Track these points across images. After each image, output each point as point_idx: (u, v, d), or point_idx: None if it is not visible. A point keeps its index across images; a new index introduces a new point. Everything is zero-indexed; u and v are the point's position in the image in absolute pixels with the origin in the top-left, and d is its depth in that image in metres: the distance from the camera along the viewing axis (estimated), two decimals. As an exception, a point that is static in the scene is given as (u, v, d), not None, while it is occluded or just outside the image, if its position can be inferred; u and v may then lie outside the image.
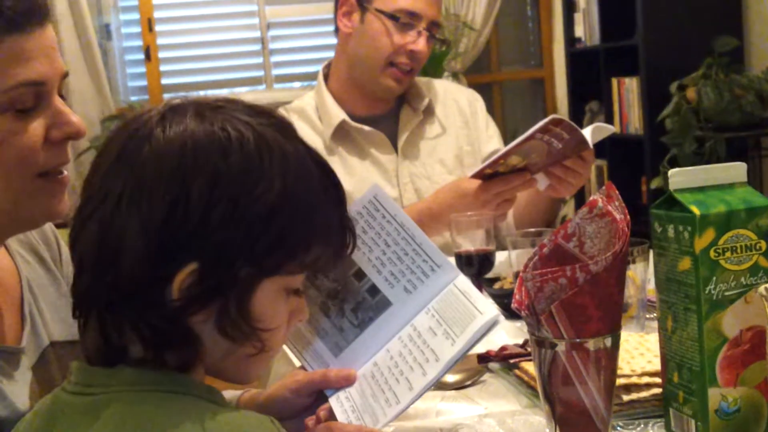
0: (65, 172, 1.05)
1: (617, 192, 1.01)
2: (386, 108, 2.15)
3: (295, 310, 0.93)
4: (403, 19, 2.03)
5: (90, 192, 0.87)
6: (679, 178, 1.00)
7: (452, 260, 1.54)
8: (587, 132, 1.70)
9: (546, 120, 1.61)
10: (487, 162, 1.78)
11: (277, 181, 0.85)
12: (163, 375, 0.85)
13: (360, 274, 1.15)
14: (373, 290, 1.15)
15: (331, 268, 1.05)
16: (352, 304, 1.16)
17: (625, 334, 1.17)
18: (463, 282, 1.12)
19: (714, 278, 0.97)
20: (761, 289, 0.93)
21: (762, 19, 3.63)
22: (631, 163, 4.14)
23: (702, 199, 0.99)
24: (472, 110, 2.23)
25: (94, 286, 0.85)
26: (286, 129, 0.91)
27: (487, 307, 1.05)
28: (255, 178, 0.85)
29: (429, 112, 2.17)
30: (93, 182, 0.87)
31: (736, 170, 1.03)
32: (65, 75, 1.04)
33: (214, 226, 0.83)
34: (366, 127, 2.10)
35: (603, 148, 4.17)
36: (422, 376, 1.03)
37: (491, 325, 1.02)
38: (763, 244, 0.98)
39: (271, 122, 0.90)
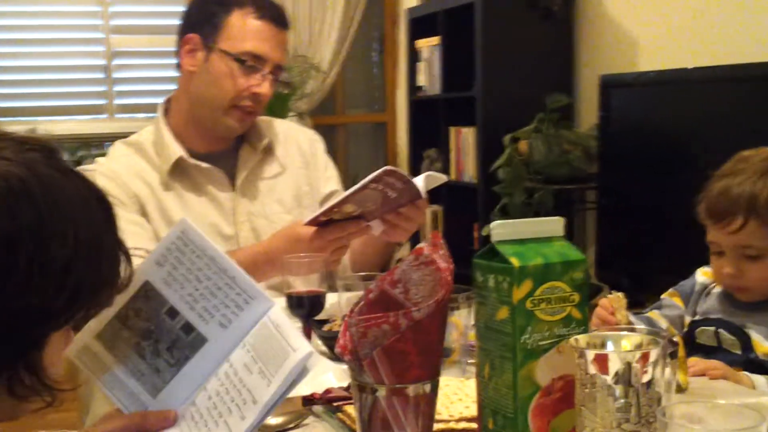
0: None
1: (443, 241, 1.04)
2: (226, 146, 2.14)
3: (66, 339, 0.89)
4: (249, 62, 2.03)
5: None
6: (500, 230, 1.04)
7: (284, 301, 1.54)
8: (420, 180, 1.74)
9: (380, 171, 1.64)
10: (321, 210, 1.80)
11: (69, 233, 0.80)
12: None
13: (173, 312, 1.13)
14: (188, 327, 1.13)
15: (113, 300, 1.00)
16: (167, 343, 1.13)
17: (446, 379, 1.20)
18: (277, 314, 1.11)
19: (529, 328, 1.01)
20: (572, 340, 0.97)
21: (590, 80, 3.83)
22: (465, 209, 4.25)
23: (521, 251, 1.03)
24: (312, 151, 2.24)
25: None
26: (56, 160, 0.85)
27: (299, 342, 1.05)
28: (48, 236, 0.79)
29: (269, 151, 2.17)
30: None
31: (554, 225, 1.08)
32: None
33: (10, 295, 0.77)
34: (204, 164, 2.08)
35: (439, 194, 4.28)
36: (241, 420, 1.02)
37: (305, 363, 1.02)
38: (576, 296, 1.03)
39: (45, 157, 0.83)
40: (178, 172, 2.07)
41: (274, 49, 2.06)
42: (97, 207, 0.86)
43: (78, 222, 0.82)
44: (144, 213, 2.03)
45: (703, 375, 1.43)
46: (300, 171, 2.20)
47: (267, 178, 2.16)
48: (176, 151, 2.06)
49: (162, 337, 1.13)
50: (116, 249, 0.90)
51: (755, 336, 1.60)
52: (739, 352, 1.60)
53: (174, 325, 1.13)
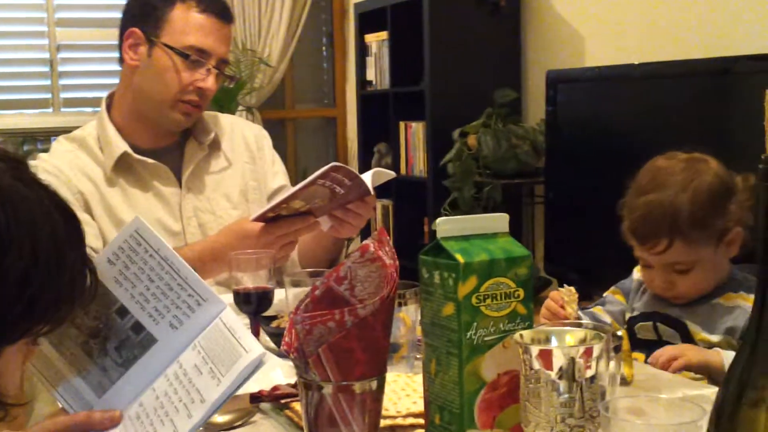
0: None
1: (388, 238, 1.04)
2: (171, 141, 2.12)
3: (26, 354, 0.88)
4: (193, 57, 2.00)
5: None
6: (445, 226, 1.04)
7: (231, 297, 1.53)
8: (367, 176, 1.74)
9: (326, 167, 1.64)
10: (269, 206, 1.78)
11: (26, 245, 0.80)
12: None
13: (123, 311, 1.12)
14: (138, 327, 1.12)
15: (73, 316, 1.00)
16: (116, 342, 1.12)
17: (393, 375, 1.20)
18: (229, 316, 1.11)
19: (475, 324, 1.01)
20: (517, 335, 0.98)
21: (537, 75, 3.86)
22: (415, 204, 4.26)
23: (467, 248, 1.03)
24: (258, 146, 2.23)
25: None
26: (23, 172, 0.85)
27: (252, 344, 1.05)
28: (4, 247, 0.78)
29: (215, 146, 2.15)
30: None
31: (498, 221, 1.08)
32: None
33: None
34: (149, 160, 2.05)
35: (389, 188, 4.28)
36: (187, 418, 1.02)
37: (257, 365, 1.02)
38: (521, 291, 1.04)
39: (10, 168, 0.83)
40: (122, 167, 2.04)
41: (219, 43, 2.03)
42: (61, 220, 0.85)
43: (38, 234, 0.81)
44: (88, 210, 2.00)
45: (667, 368, 1.45)
46: (246, 166, 2.19)
47: (213, 173, 2.14)
48: (120, 146, 2.03)
49: (110, 336, 1.12)
50: (80, 264, 0.89)
51: (691, 326, 1.62)
52: (679, 342, 1.62)
53: (123, 325, 1.12)
